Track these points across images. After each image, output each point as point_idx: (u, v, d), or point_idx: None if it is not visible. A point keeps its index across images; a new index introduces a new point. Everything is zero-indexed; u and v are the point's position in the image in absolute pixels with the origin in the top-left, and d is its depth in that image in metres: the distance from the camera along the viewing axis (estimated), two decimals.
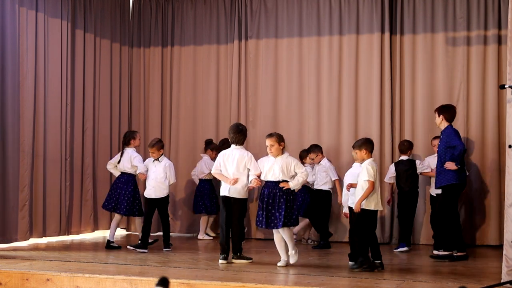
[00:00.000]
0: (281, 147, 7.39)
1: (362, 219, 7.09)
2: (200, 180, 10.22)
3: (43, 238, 9.38)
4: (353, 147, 7.41)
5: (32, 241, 9.15)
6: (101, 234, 10.56)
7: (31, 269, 6.82)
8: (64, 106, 9.74)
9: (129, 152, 8.94)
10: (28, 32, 9.06)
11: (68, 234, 9.82)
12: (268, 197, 7.33)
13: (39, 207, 9.25)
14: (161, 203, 8.78)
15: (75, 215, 9.94)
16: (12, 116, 8.65)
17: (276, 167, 7.35)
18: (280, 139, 7.40)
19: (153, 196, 8.70)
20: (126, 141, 9.03)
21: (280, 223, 7.22)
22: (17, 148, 8.78)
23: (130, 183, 8.89)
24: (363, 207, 7.08)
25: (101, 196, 10.35)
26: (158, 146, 8.76)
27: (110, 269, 6.98)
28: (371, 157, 7.22)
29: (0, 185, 8.46)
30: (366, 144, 7.24)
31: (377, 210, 7.18)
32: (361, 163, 7.25)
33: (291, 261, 7.37)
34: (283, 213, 7.21)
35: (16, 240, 8.74)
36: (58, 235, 9.61)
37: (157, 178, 8.67)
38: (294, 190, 7.39)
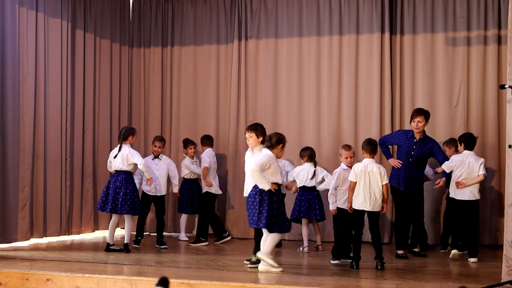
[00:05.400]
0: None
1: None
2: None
3: (44, 238, 9.37)
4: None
5: (33, 241, 9.14)
6: (101, 234, 10.56)
7: (31, 269, 6.83)
8: (64, 106, 9.73)
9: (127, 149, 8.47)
10: (28, 32, 9.05)
11: (68, 234, 9.82)
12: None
13: (40, 207, 9.25)
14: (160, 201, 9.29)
15: (76, 215, 9.93)
16: (12, 116, 8.65)
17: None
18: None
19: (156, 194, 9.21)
20: (125, 136, 8.51)
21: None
22: (17, 148, 8.78)
23: (129, 181, 8.47)
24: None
25: None
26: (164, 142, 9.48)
27: (110, 269, 6.99)
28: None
29: (0, 185, 8.46)
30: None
31: None
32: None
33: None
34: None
35: (16, 240, 8.73)
36: (59, 235, 9.60)
37: (161, 176, 9.19)
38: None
